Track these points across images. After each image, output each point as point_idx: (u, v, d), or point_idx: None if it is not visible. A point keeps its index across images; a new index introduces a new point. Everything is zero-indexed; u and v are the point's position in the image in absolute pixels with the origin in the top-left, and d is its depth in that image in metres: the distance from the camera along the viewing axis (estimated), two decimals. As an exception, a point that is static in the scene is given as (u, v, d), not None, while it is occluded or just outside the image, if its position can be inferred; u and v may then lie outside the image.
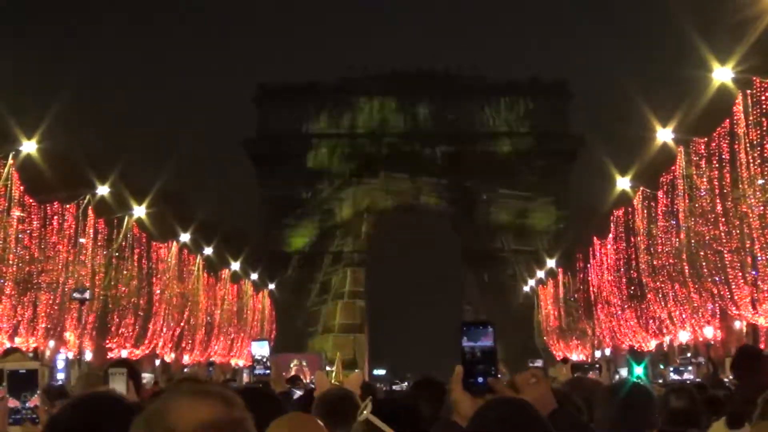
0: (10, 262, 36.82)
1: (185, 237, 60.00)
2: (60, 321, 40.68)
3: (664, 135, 41.03)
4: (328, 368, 45.36)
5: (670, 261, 41.55)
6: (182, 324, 57.44)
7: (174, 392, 2.74)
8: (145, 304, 51.29)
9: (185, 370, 56.32)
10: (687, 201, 38.47)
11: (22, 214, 37.38)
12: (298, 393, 12.21)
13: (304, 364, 49.76)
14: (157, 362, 55.70)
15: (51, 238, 39.87)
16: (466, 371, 3.73)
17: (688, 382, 15.42)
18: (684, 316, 41.22)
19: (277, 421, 4.54)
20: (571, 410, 4.01)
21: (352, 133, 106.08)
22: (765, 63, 32.95)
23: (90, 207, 43.70)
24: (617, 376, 40.80)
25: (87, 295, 40.74)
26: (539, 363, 55.98)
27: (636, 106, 44.20)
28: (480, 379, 3.69)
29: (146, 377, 37.52)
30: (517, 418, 3.48)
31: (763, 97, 30.44)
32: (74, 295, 40.26)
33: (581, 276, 61.35)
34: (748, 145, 31.21)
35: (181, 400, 2.71)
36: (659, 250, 43.07)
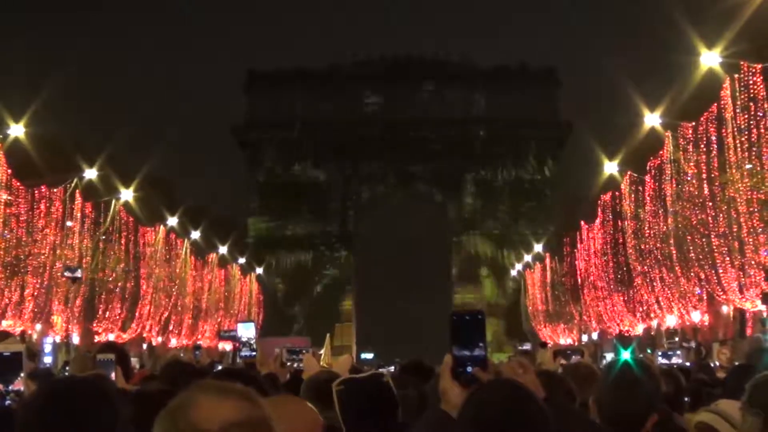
0: (-3, 245, 36.76)
1: (173, 221, 59.84)
2: (47, 304, 40.59)
3: (652, 120, 40.96)
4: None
5: (658, 245, 41.58)
6: (169, 308, 57.36)
7: (198, 388, 2.78)
8: (132, 287, 51.22)
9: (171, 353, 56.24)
10: (674, 185, 38.46)
11: (9, 198, 37.26)
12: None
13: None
14: (144, 346, 55.61)
15: (38, 222, 39.77)
16: (456, 361, 3.72)
17: (675, 366, 15.43)
18: (671, 300, 41.29)
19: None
20: (562, 397, 3.91)
21: (341, 119, 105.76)
22: (753, 47, 32.94)
23: (77, 191, 43.56)
24: (603, 361, 40.89)
25: (78, 273, 40.62)
26: (527, 346, 56.08)
27: (624, 92, 44.11)
28: (469, 369, 3.70)
29: (131, 361, 37.41)
30: (511, 400, 3.45)
31: (750, 82, 30.45)
32: (66, 273, 40.12)
33: (568, 260, 61.38)
34: (735, 129, 31.23)
35: (206, 396, 2.75)
36: (647, 235, 43.08)
